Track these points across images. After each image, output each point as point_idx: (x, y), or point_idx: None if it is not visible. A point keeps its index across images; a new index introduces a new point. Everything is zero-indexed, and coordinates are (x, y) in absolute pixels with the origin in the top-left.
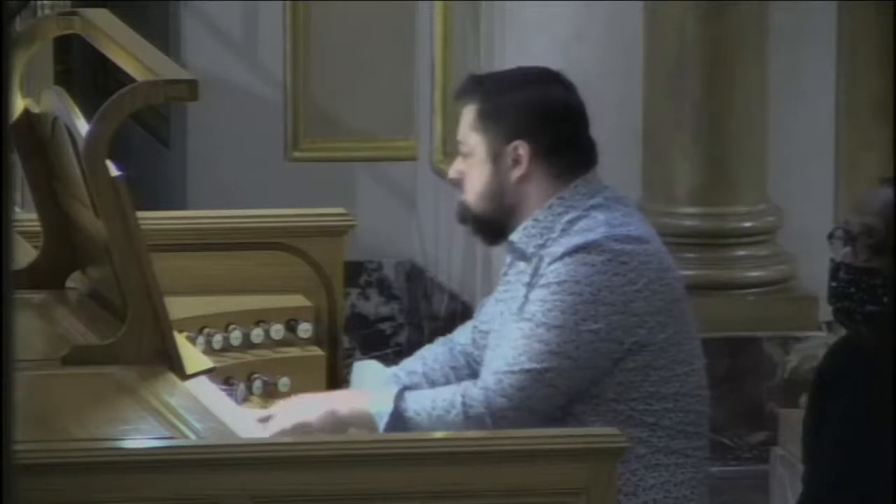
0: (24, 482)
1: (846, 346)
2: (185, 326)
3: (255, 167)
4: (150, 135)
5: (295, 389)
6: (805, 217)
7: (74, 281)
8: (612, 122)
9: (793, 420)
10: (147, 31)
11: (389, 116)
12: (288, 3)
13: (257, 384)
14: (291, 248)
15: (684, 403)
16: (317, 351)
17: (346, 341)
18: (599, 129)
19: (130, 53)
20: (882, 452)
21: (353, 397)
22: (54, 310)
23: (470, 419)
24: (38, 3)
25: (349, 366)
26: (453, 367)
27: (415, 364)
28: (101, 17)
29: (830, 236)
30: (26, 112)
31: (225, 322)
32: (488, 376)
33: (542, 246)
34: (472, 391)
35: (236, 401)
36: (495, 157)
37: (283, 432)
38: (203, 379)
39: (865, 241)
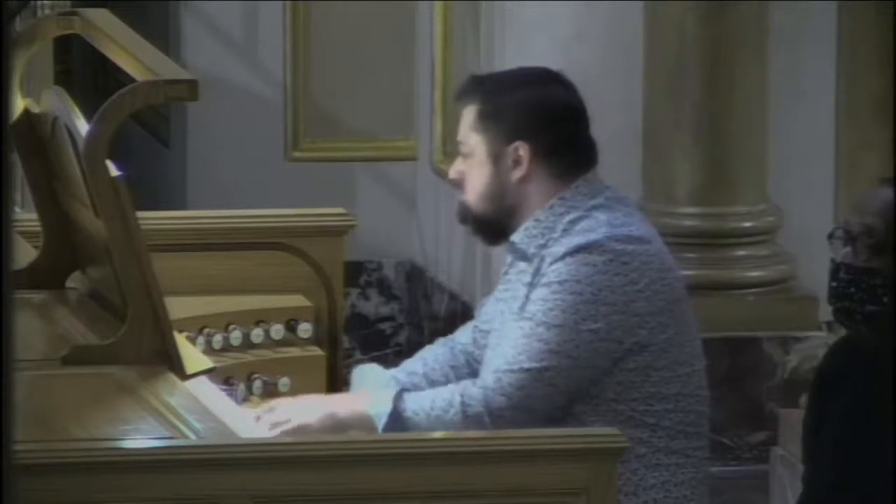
0: (24, 482)
1: (846, 346)
2: (185, 326)
3: (255, 167)
4: (150, 135)
5: (295, 389)
6: (805, 217)
7: (74, 281)
8: (613, 122)
9: (793, 420)
10: (147, 31)
11: (389, 116)
12: (288, 3)
13: (257, 384)
14: (291, 248)
15: (685, 404)
16: (317, 351)
17: (346, 341)
18: (600, 129)
19: (130, 53)
20: (882, 452)
21: (352, 399)
22: (54, 310)
23: (468, 418)
24: (38, 3)
25: (349, 366)
26: (453, 367)
27: (415, 365)
28: (101, 17)
29: (830, 236)
30: (26, 112)
31: (225, 322)
32: (488, 375)
33: (544, 246)
34: (471, 390)
35: (236, 401)
36: (496, 158)
37: (283, 433)
38: (203, 379)
39: (865, 241)
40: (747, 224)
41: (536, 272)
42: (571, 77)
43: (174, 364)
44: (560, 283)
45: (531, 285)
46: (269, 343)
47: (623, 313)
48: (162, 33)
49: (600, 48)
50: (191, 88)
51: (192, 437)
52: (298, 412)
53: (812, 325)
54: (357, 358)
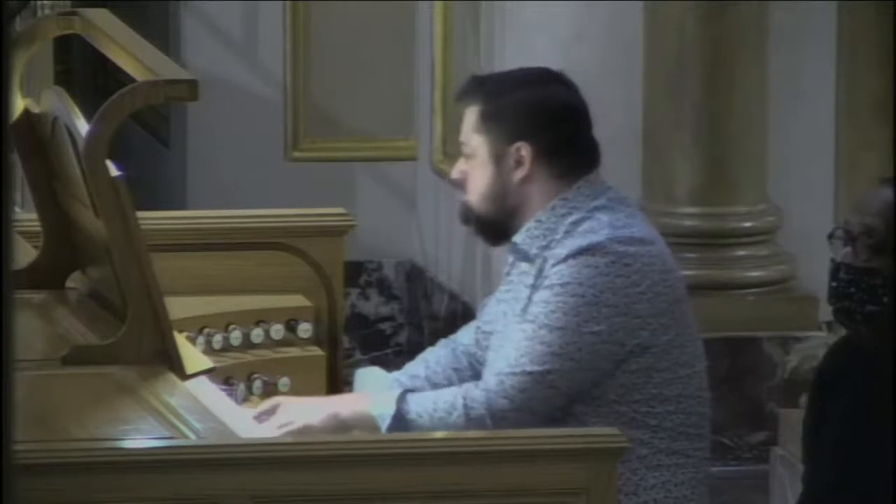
0: (24, 482)
1: (846, 346)
2: (185, 326)
3: (255, 167)
4: (150, 135)
5: (295, 389)
6: (805, 217)
7: (74, 281)
8: (613, 122)
9: (793, 420)
10: (147, 31)
11: (389, 116)
12: (288, 3)
13: (257, 384)
14: (291, 248)
15: (686, 405)
16: (317, 351)
17: (346, 341)
18: (600, 129)
19: (130, 53)
20: (882, 452)
21: (355, 400)
22: (54, 310)
23: (471, 420)
24: (38, 3)
25: (349, 366)
26: (456, 369)
27: (417, 368)
28: (101, 17)
29: (830, 236)
30: (26, 112)
31: (225, 322)
32: (490, 378)
33: (546, 247)
34: (474, 392)
35: (236, 401)
36: (498, 159)
37: (287, 434)
38: (203, 379)
39: (866, 242)
40: (747, 224)
41: (539, 274)
42: (571, 77)
43: (174, 364)
44: (562, 285)
45: (533, 287)
46: (269, 343)
47: (625, 315)
48: (162, 33)
49: (600, 48)
50: (191, 88)
51: (192, 437)
52: (301, 413)
53: (812, 325)
54: (357, 358)
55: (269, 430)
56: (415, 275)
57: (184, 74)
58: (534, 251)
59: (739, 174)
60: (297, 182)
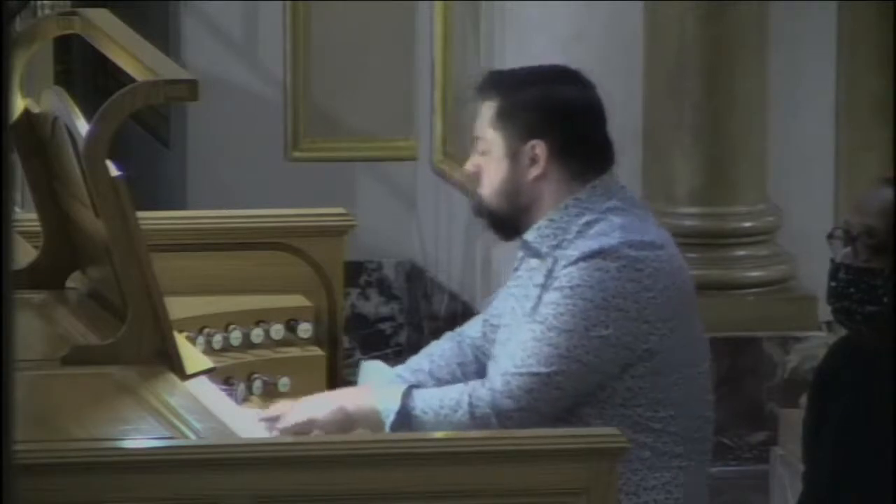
0: (24, 482)
1: (846, 347)
2: (185, 326)
3: (255, 167)
4: (150, 135)
5: (295, 389)
6: (805, 217)
7: (74, 281)
8: (613, 122)
9: (793, 420)
10: (147, 31)
11: (389, 116)
12: (288, 3)
13: (257, 384)
14: (291, 248)
15: (690, 410)
16: (317, 351)
17: (346, 341)
18: None
19: (130, 53)
20: (882, 452)
21: (360, 394)
22: (54, 310)
23: (476, 419)
24: (38, 3)
25: (349, 366)
26: (460, 363)
27: (421, 361)
28: (101, 17)
29: (830, 236)
30: (26, 112)
31: (225, 322)
32: (496, 377)
33: (557, 246)
34: (480, 391)
35: (236, 401)
36: (513, 156)
37: (291, 428)
38: (203, 379)
39: (865, 242)
40: (747, 224)
41: (549, 274)
42: None
43: (174, 364)
44: (572, 287)
45: (543, 287)
46: (269, 343)
47: (634, 320)
48: (162, 33)
49: (600, 48)
50: (191, 88)
51: (192, 437)
52: (306, 409)
53: (812, 325)
54: (357, 358)
55: (273, 426)
56: (415, 275)
57: (184, 74)
58: (545, 249)
59: (739, 174)
60: (297, 182)
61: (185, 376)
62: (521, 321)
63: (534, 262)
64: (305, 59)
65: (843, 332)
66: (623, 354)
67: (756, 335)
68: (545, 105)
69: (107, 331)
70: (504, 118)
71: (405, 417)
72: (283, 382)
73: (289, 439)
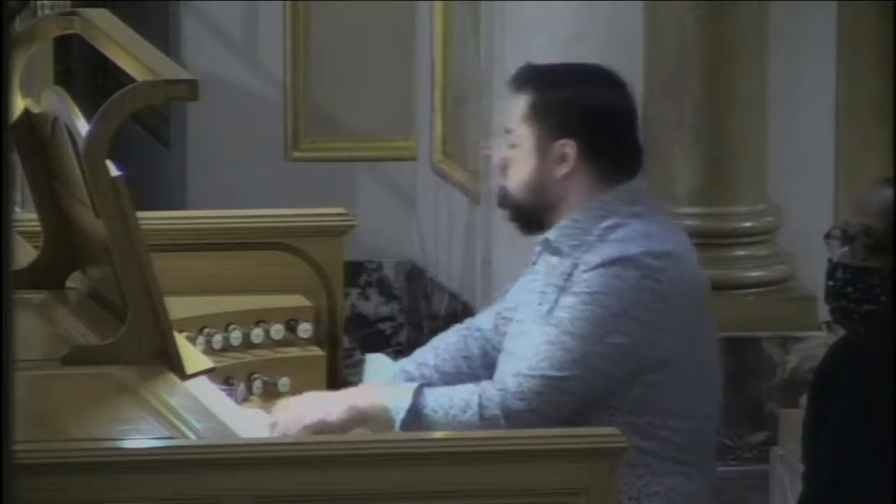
0: (24, 482)
1: (846, 346)
2: (185, 326)
3: (255, 167)
4: (150, 135)
5: (295, 389)
6: (805, 217)
7: (74, 281)
8: None
9: (793, 420)
10: (147, 31)
11: (389, 116)
12: (288, 3)
13: (257, 384)
14: (291, 248)
15: (698, 420)
16: (317, 351)
17: (346, 341)
18: None
19: (130, 53)
20: (882, 452)
21: (372, 392)
22: (54, 310)
23: (485, 420)
24: (38, 3)
25: (349, 366)
26: (466, 357)
27: (426, 355)
28: (101, 17)
29: (828, 236)
30: (26, 112)
31: (225, 322)
32: (508, 378)
33: (577, 247)
34: (490, 392)
35: (236, 401)
36: (543, 152)
37: (304, 427)
38: (203, 379)
39: (863, 241)
40: (747, 224)
41: (568, 277)
42: None
43: (174, 364)
44: (591, 294)
45: (561, 289)
46: (269, 343)
47: (650, 329)
48: (162, 33)
49: (600, 48)
50: (191, 88)
51: (192, 437)
52: (315, 407)
53: (812, 325)
54: (357, 358)
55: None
56: (415, 275)
57: (184, 74)
58: (566, 249)
59: (739, 174)
60: (297, 182)
61: (185, 376)
62: (534, 319)
63: (553, 259)
64: (305, 59)
65: (843, 332)
66: (636, 363)
67: (756, 335)
68: (579, 105)
69: (107, 331)
70: (537, 114)
71: (415, 416)
72: (283, 382)
73: (288, 439)
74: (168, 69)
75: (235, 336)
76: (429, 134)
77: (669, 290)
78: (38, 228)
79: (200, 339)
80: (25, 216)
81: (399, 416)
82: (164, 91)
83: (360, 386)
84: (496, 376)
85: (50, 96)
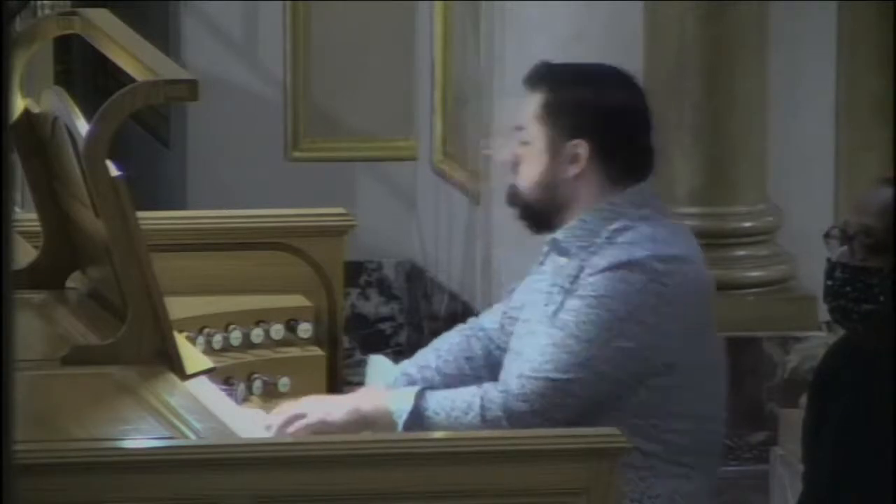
0: (24, 482)
1: (846, 346)
2: (185, 326)
3: (255, 167)
4: (150, 135)
5: (295, 389)
6: (805, 217)
7: (74, 281)
8: None
9: (793, 420)
10: (147, 31)
11: (389, 116)
12: (288, 3)
13: (257, 384)
14: (291, 248)
15: (703, 423)
16: (317, 351)
17: (346, 341)
18: None
19: (130, 53)
20: (882, 452)
21: (374, 395)
22: (54, 310)
23: (487, 422)
24: (38, 3)
25: (349, 366)
26: (468, 358)
27: (428, 357)
28: (101, 17)
29: (827, 235)
30: (26, 112)
31: (225, 322)
32: (511, 380)
33: (585, 248)
34: (492, 393)
35: (236, 401)
36: (553, 151)
37: (306, 428)
38: (203, 379)
39: (863, 241)
40: (747, 224)
41: (574, 279)
42: None
43: (174, 364)
44: (597, 297)
45: (567, 291)
46: (269, 343)
47: (655, 334)
48: (162, 33)
49: (600, 48)
50: (191, 88)
51: (192, 437)
52: (318, 408)
53: (812, 325)
54: (357, 358)
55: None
56: (415, 275)
57: (184, 74)
58: (573, 249)
59: (739, 174)
60: (297, 182)
61: (185, 376)
62: (540, 319)
63: (561, 259)
64: (305, 59)
65: (843, 332)
66: (641, 367)
67: (756, 335)
68: (593, 106)
69: (107, 331)
70: (550, 113)
71: (417, 418)
72: (283, 382)
73: (289, 439)
74: (168, 69)
75: (235, 336)
76: (429, 134)
77: (676, 293)
78: (38, 228)
79: (200, 339)
80: (25, 216)
81: (401, 418)
82: (164, 91)
83: (362, 389)
84: (501, 376)
85: (50, 96)
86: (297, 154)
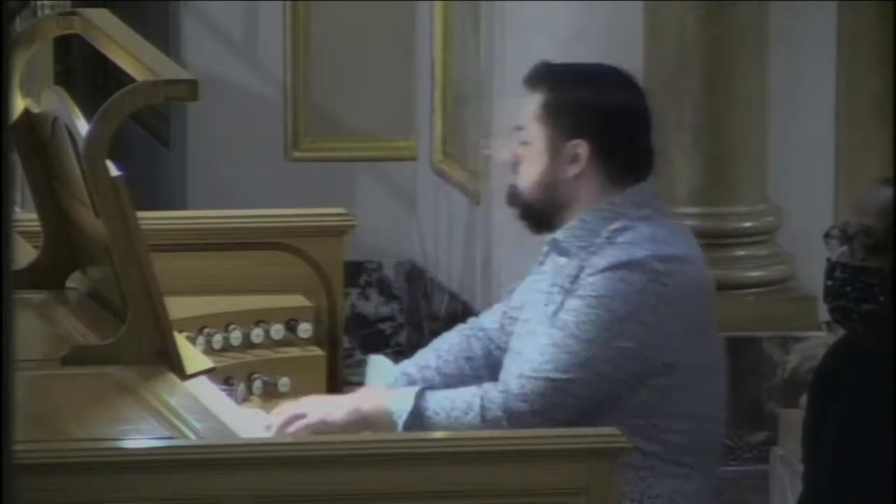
0: (24, 482)
1: (846, 346)
2: (185, 326)
3: (255, 167)
4: (150, 135)
5: (295, 389)
6: (805, 217)
7: (74, 281)
8: None
9: (793, 420)
10: (147, 31)
11: (389, 116)
12: (288, 3)
13: (257, 384)
14: (291, 248)
15: (703, 423)
16: (317, 351)
17: (346, 341)
18: None
19: (130, 53)
20: (882, 452)
21: (375, 395)
22: (54, 310)
23: (487, 422)
24: (38, 3)
25: (349, 366)
26: (468, 358)
27: (428, 357)
28: (101, 17)
29: (826, 235)
30: (26, 112)
31: (225, 322)
32: (511, 380)
33: (585, 248)
34: (492, 393)
35: (236, 401)
36: (553, 151)
37: (306, 427)
38: (203, 379)
39: (863, 241)
40: (747, 224)
41: (574, 280)
42: None
43: (174, 364)
44: (597, 297)
45: (567, 291)
46: (269, 343)
47: (655, 334)
48: (162, 33)
49: (600, 48)
50: (191, 88)
51: (192, 437)
52: (318, 407)
53: (812, 325)
54: (357, 358)
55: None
56: (415, 275)
57: (184, 74)
58: (573, 249)
59: (739, 174)
60: (297, 182)
61: (185, 376)
62: (540, 319)
63: (561, 259)
64: (305, 59)
65: (843, 332)
66: (641, 367)
67: (756, 335)
68: (593, 106)
69: (107, 331)
70: (550, 113)
71: (417, 418)
72: (283, 382)
73: (289, 439)
74: (168, 69)
75: (235, 336)
76: (429, 134)
77: (676, 293)
78: (38, 228)
79: (200, 339)
80: (25, 216)
81: (401, 418)
82: (164, 91)
83: (362, 389)
84: (502, 376)
85: (50, 96)
86: (297, 154)
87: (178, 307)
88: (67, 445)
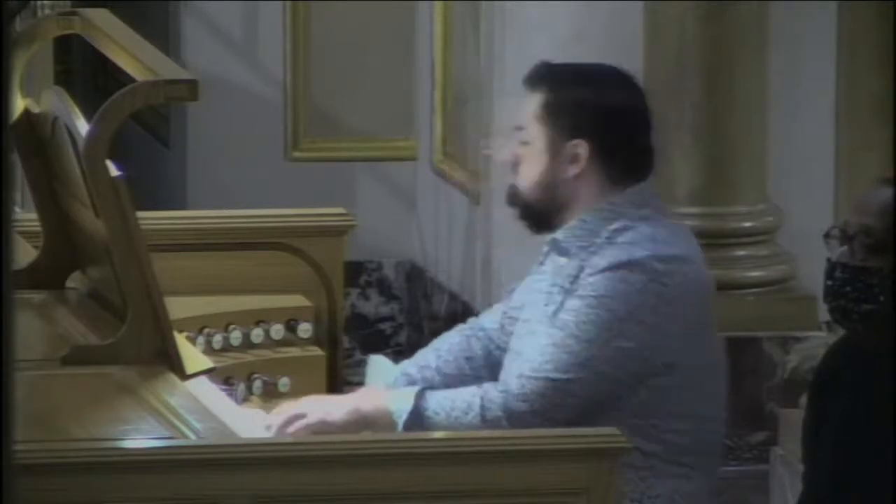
0: (24, 482)
1: (846, 346)
2: (185, 326)
3: (255, 167)
4: (150, 135)
5: (295, 389)
6: (805, 217)
7: (74, 281)
8: None
9: (793, 420)
10: (147, 31)
11: (389, 116)
12: (288, 3)
13: (257, 384)
14: (291, 248)
15: (703, 423)
16: (317, 351)
17: (346, 341)
18: None
19: (130, 53)
20: (882, 452)
21: (375, 395)
22: (54, 310)
23: (487, 422)
24: (38, 3)
25: (349, 366)
26: (468, 358)
27: (428, 357)
28: (101, 17)
29: (826, 235)
30: (26, 112)
31: (225, 322)
32: (511, 380)
33: (585, 248)
34: (492, 393)
35: (236, 401)
36: (553, 151)
37: (306, 427)
38: (203, 379)
39: (863, 241)
40: (747, 224)
41: (574, 280)
42: None
43: (174, 364)
44: (597, 297)
45: (567, 291)
46: (269, 343)
47: (655, 334)
48: (162, 33)
49: (600, 48)
50: (191, 88)
51: (192, 437)
52: (318, 407)
53: (812, 325)
54: (357, 358)
55: (279, 421)
56: (415, 275)
57: (184, 74)
58: (573, 250)
59: (739, 174)
60: (297, 182)
61: (185, 376)
62: (540, 319)
63: (561, 259)
64: (305, 59)
65: (843, 332)
66: (641, 367)
67: (756, 335)
68: (592, 106)
69: (107, 331)
70: (550, 113)
71: (417, 418)
72: (283, 382)
73: (289, 439)
74: (168, 69)
75: (235, 336)
76: (429, 134)
77: (676, 293)
78: (38, 228)
79: (200, 339)
80: (25, 216)
81: (401, 418)
82: (164, 91)
83: (362, 389)
84: (501, 376)
85: (50, 96)
86: (297, 154)
87: (178, 307)
88: (67, 445)
